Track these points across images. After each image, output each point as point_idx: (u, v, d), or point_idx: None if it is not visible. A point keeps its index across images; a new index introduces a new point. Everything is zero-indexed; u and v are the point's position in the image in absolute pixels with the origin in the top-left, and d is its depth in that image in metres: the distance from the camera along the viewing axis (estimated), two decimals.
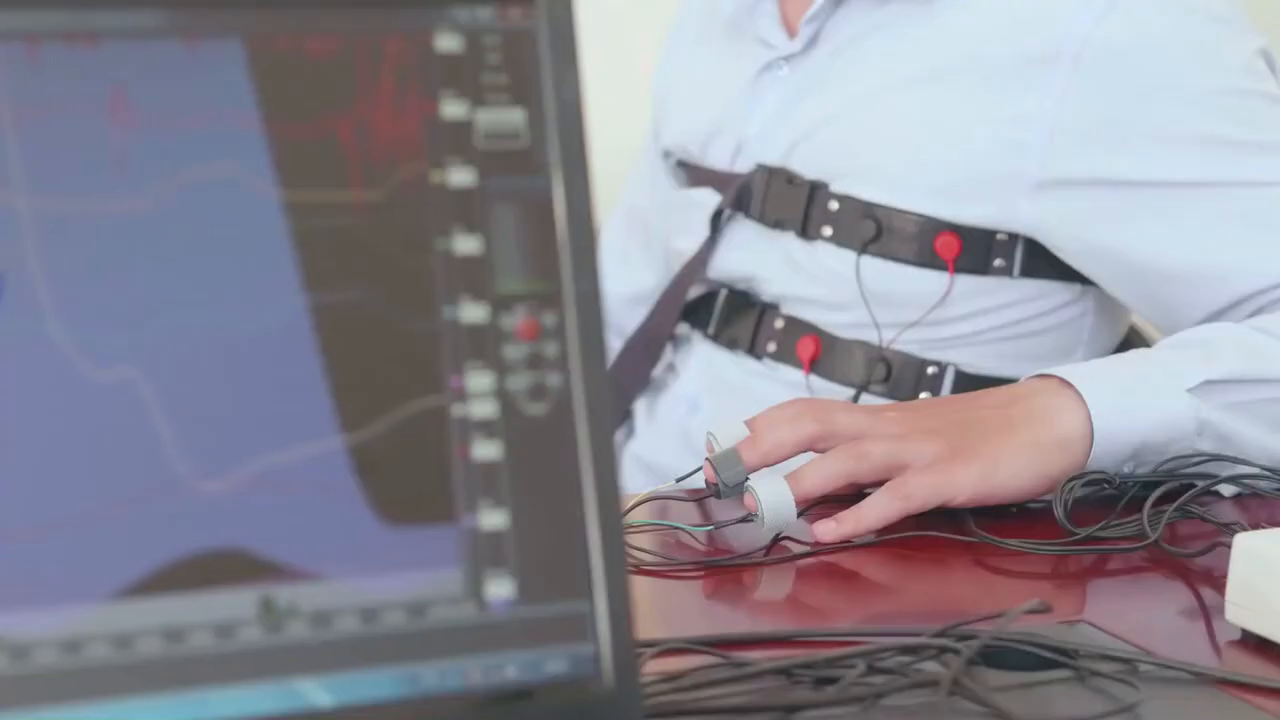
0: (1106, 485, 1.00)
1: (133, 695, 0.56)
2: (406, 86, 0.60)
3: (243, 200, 0.58)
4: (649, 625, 0.82)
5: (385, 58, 0.60)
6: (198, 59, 0.58)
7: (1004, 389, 1.05)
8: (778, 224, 1.26)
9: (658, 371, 1.38)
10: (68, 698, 0.55)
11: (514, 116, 0.61)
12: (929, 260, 1.20)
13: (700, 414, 1.31)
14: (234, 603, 0.57)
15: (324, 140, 0.59)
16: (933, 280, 1.20)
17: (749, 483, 0.95)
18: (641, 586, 0.89)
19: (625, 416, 1.40)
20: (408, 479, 0.59)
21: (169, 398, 0.57)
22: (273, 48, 0.59)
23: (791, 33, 1.28)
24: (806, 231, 1.24)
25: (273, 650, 0.57)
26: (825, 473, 0.96)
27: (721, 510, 1.01)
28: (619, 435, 1.40)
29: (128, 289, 0.57)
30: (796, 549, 0.95)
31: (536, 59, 0.61)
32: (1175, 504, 0.97)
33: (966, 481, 0.97)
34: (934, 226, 1.19)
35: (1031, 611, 0.72)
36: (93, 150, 0.57)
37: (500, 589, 0.60)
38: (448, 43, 0.60)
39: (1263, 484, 1.03)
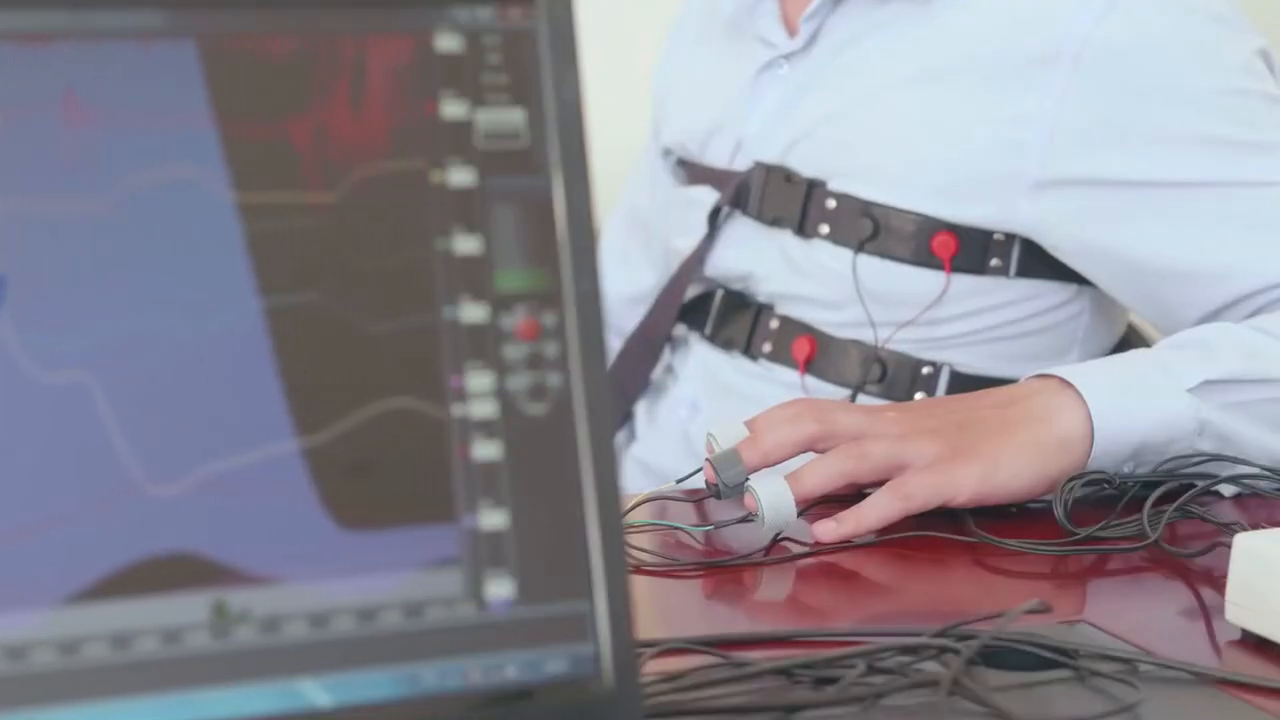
0: (1106, 485, 1.00)
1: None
2: (363, 86, 0.59)
3: (198, 202, 0.57)
4: (649, 625, 0.82)
5: (342, 58, 0.59)
6: (151, 60, 0.57)
7: (1004, 389, 1.05)
8: (775, 222, 1.26)
9: (657, 374, 1.38)
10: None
11: (514, 116, 0.61)
12: (926, 259, 1.20)
13: (700, 416, 1.31)
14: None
15: (279, 141, 0.58)
16: (929, 279, 1.20)
17: (749, 483, 0.95)
18: (641, 586, 0.89)
19: (626, 419, 1.40)
20: (375, 481, 0.59)
21: (121, 401, 0.56)
22: (227, 49, 0.58)
23: (792, 31, 1.28)
24: (804, 229, 1.24)
25: (271, 650, 0.57)
26: (825, 472, 0.96)
27: (721, 510, 1.01)
28: (620, 438, 1.40)
29: (80, 291, 0.56)
30: (796, 549, 0.95)
31: (536, 59, 0.61)
32: (1175, 504, 0.97)
33: (967, 481, 0.97)
34: (932, 226, 1.19)
35: (1031, 611, 0.72)
36: (46, 151, 0.56)
37: (500, 589, 0.60)
38: (448, 43, 0.60)
39: (1263, 484, 1.03)
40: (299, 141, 0.58)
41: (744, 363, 1.29)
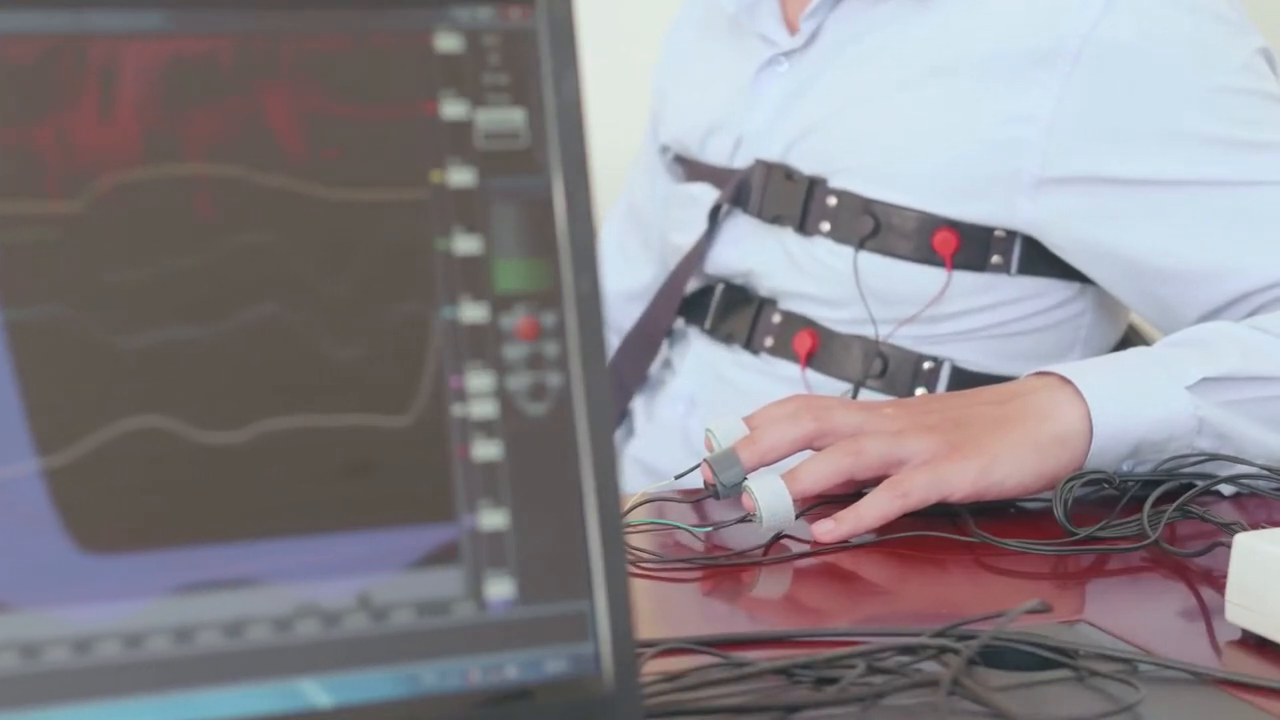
0: (1106, 485, 1.00)
1: None
2: (113, 91, 0.57)
3: None
4: (649, 625, 0.82)
5: (90, 63, 0.56)
6: None
7: (1003, 386, 1.05)
8: (776, 219, 1.26)
9: (655, 368, 1.38)
10: None
11: (514, 116, 0.61)
12: (927, 256, 1.20)
13: (698, 412, 1.31)
14: None
15: (19, 148, 0.55)
16: (930, 276, 1.20)
17: (746, 483, 0.95)
18: (641, 586, 0.89)
19: (624, 415, 1.40)
20: (114, 503, 0.56)
21: None
22: None
23: (793, 29, 1.28)
24: (805, 227, 1.24)
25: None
26: (822, 470, 0.96)
27: (721, 510, 1.01)
28: (618, 436, 1.40)
29: None
30: (796, 549, 0.95)
31: (536, 59, 0.61)
32: (1175, 504, 0.97)
33: (964, 478, 0.97)
34: (932, 223, 1.19)
35: (1031, 611, 0.72)
36: None
37: (500, 589, 0.60)
38: (448, 43, 0.60)
39: (1262, 484, 1.03)
40: (41, 148, 0.56)
41: (745, 357, 1.29)
